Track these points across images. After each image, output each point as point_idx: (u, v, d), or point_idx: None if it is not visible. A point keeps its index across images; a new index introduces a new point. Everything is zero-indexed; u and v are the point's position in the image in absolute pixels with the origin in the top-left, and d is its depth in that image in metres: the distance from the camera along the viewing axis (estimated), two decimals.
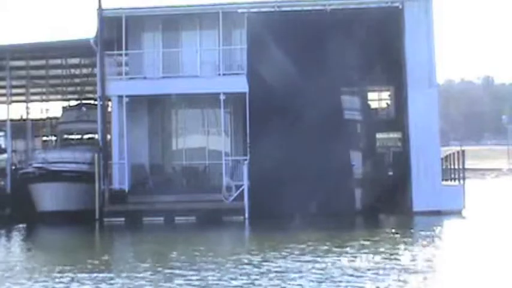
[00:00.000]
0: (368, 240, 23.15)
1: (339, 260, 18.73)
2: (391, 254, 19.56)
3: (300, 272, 17.11)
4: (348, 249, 20.78)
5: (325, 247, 21.22)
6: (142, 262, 19.64)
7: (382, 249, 20.57)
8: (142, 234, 28.58)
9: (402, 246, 21.27)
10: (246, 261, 19.04)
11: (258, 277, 16.55)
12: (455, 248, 21.87)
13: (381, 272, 16.83)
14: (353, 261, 18.56)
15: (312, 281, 16.00)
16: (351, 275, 16.46)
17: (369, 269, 17.18)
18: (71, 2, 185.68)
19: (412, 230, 27.21)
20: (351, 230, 28.02)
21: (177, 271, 17.68)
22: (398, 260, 18.61)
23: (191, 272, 17.41)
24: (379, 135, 38.41)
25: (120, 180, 32.74)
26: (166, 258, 20.19)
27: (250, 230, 29.18)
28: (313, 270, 17.25)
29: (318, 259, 18.89)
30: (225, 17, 33.35)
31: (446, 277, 16.78)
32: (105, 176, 32.32)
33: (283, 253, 20.18)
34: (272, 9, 33.17)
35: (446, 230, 27.83)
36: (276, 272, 17.22)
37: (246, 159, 31.80)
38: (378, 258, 18.96)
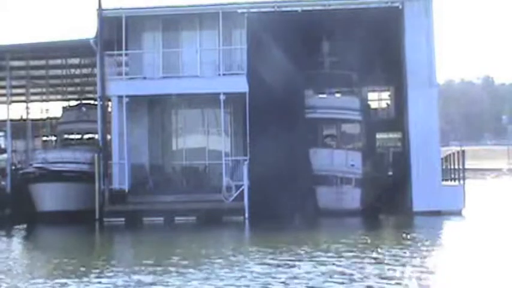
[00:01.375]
0: (367, 241, 23.12)
1: (324, 263, 18.50)
2: (381, 258, 19.34)
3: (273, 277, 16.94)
4: (343, 252, 20.64)
5: (320, 249, 21.11)
6: (117, 266, 19.66)
7: (376, 252, 20.38)
8: (141, 235, 28.50)
9: (396, 249, 20.93)
10: (229, 263, 19.04)
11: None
12: (452, 251, 21.71)
13: (356, 276, 16.62)
14: (338, 265, 18.27)
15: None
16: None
17: (352, 274, 16.96)
18: (71, 2, 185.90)
19: (410, 231, 27.09)
20: (350, 230, 27.94)
21: (149, 276, 17.48)
22: (383, 264, 18.31)
23: (163, 277, 17.21)
24: (379, 135, 38.43)
25: (120, 180, 32.72)
26: (148, 262, 19.82)
27: (249, 231, 29.09)
28: (284, 275, 17.11)
29: (300, 263, 18.69)
30: (225, 17, 33.33)
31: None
32: (105, 176, 32.30)
33: (262, 256, 20.17)
34: (272, 9, 33.14)
35: (446, 231, 27.78)
36: (242, 277, 17.05)
37: (246, 159, 31.78)
38: (366, 261, 18.80)
